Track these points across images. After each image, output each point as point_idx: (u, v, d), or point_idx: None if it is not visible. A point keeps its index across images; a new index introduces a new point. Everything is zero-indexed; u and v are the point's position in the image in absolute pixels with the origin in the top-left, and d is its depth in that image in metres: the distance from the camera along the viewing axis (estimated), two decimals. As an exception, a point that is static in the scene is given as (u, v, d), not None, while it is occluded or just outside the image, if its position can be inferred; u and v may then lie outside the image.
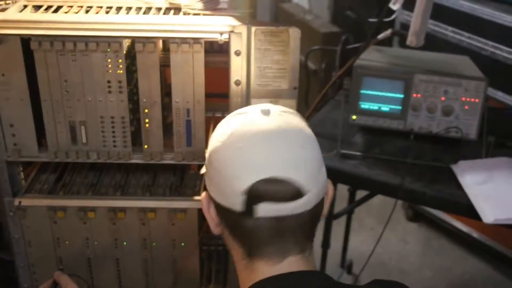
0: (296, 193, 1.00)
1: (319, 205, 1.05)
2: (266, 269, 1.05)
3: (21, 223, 1.60)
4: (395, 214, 3.36)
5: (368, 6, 3.02)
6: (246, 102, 1.47)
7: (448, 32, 2.64)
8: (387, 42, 2.63)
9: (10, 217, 1.59)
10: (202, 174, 1.22)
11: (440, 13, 2.58)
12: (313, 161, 1.04)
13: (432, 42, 2.65)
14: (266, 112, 1.07)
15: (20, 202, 1.57)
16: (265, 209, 1.01)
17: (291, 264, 1.05)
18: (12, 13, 1.45)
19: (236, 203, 1.02)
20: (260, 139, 1.02)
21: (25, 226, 1.60)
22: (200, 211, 1.59)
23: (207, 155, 1.11)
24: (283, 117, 1.06)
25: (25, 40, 1.41)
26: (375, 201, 2.95)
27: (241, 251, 1.07)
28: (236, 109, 1.44)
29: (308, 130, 1.08)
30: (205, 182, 1.11)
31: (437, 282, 2.96)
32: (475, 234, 2.97)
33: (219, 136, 1.08)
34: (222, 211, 1.06)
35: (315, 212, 1.05)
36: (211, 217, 1.10)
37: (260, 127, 1.04)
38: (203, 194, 1.12)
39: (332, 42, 2.90)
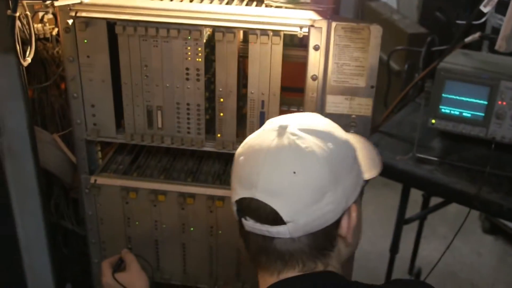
0: (275, 220, 0.99)
1: (321, 232, 1.02)
2: (268, 278, 1.06)
3: (95, 201, 1.65)
4: (471, 225, 3.29)
5: (459, 8, 2.92)
6: (322, 97, 1.46)
7: (543, 39, 2.51)
8: (476, 46, 2.54)
9: (85, 194, 1.65)
10: None
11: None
12: (304, 191, 0.99)
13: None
14: (282, 128, 1.03)
15: (95, 180, 1.63)
16: (250, 225, 1.02)
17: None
18: (100, -3, 1.50)
19: (234, 211, 1.05)
20: (255, 157, 1.02)
21: (99, 204, 1.66)
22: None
23: None
24: (295, 137, 1.02)
25: (111, 24, 1.45)
26: (450, 209, 2.86)
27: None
28: (311, 104, 1.45)
29: (322, 156, 1.00)
30: None
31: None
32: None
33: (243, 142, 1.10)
34: None
35: (316, 238, 1.02)
36: None
37: (262, 145, 1.03)
38: None
39: (419, 43, 2.83)
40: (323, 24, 1.38)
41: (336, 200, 1.01)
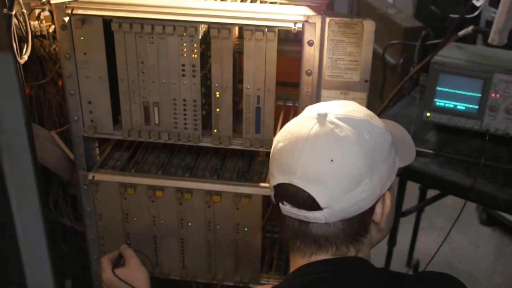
0: (312, 205, 1.03)
1: (356, 219, 1.05)
2: (299, 260, 1.09)
3: (93, 197, 1.67)
4: (468, 217, 3.31)
5: (453, 1, 2.92)
6: (317, 92, 1.47)
7: (537, 32, 2.52)
8: (471, 40, 2.55)
9: (84, 190, 1.66)
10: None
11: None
12: (341, 178, 1.02)
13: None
14: (322, 116, 1.06)
15: (93, 177, 1.64)
16: (287, 209, 1.06)
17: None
18: (96, -5, 1.51)
19: (272, 196, 1.10)
20: (294, 144, 1.04)
21: (97, 200, 1.67)
22: (264, 197, 1.61)
23: None
24: (333, 126, 1.04)
25: (107, 22, 1.46)
26: (447, 201, 2.89)
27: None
28: (306, 99, 1.47)
29: (359, 144, 1.03)
30: None
31: (507, 289, 2.88)
32: (551, 244, 2.86)
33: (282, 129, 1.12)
34: None
35: (351, 223, 1.05)
36: None
37: (301, 132, 1.05)
38: None
39: (414, 37, 2.84)
40: (317, 19, 1.39)
41: (371, 188, 1.04)
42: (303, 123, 1.07)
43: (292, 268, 1.11)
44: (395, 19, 3.46)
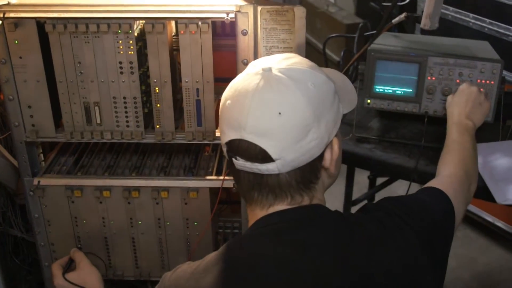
0: (264, 158, 1.06)
1: (307, 167, 1.09)
2: (258, 212, 1.12)
3: (40, 202, 1.65)
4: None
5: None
6: (255, 81, 1.50)
7: (470, 19, 2.62)
8: (410, 31, 2.62)
9: (30, 196, 1.65)
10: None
11: (461, 0, 2.56)
12: (290, 130, 1.05)
13: (453, 29, 2.63)
14: (266, 71, 1.08)
15: (39, 182, 1.63)
16: (240, 164, 1.08)
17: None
18: (29, -2, 1.51)
19: (225, 152, 1.12)
20: (242, 100, 1.06)
21: (44, 205, 1.66)
22: (212, 190, 1.62)
23: None
24: (278, 79, 1.07)
25: (40, 23, 1.46)
26: (399, 191, 2.94)
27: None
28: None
29: (305, 95, 1.06)
30: None
31: (462, 272, 2.94)
32: (499, 224, 2.94)
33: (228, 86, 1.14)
34: None
35: (302, 172, 1.09)
36: None
37: (248, 88, 1.07)
38: None
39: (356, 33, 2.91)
40: (249, 9, 1.42)
41: (320, 136, 1.08)
42: (248, 79, 1.09)
43: (252, 220, 1.14)
44: (336, 17, 3.53)
